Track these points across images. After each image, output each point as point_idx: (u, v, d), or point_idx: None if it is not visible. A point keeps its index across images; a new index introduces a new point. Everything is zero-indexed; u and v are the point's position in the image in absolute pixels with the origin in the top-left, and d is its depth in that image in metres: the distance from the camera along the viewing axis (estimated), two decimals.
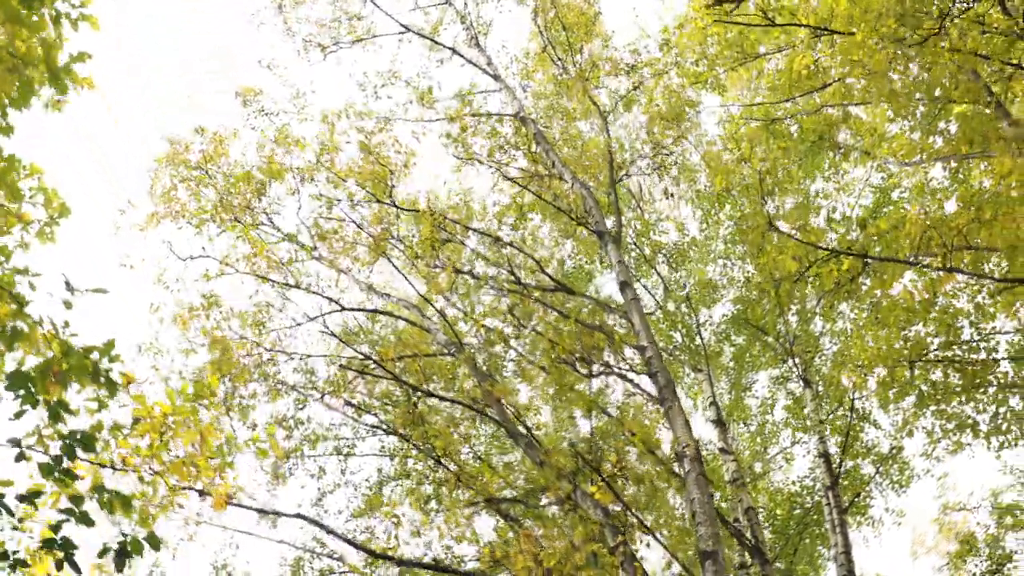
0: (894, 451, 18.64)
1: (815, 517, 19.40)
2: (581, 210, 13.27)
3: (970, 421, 14.53)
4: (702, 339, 19.16)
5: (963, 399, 14.61)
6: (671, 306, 18.50)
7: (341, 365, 12.62)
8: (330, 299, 14.40)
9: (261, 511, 9.96)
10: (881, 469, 18.70)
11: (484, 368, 12.75)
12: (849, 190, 18.87)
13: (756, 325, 20.42)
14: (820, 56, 15.52)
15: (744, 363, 20.38)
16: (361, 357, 12.74)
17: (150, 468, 7.67)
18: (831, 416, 18.87)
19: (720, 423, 18.04)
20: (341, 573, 16.00)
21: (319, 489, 16.05)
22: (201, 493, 7.89)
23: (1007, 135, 13.30)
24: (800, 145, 16.97)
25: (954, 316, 13.08)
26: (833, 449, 18.40)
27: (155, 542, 5.95)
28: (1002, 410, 14.24)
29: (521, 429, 12.05)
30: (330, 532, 9.05)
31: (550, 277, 12.96)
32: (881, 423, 19.00)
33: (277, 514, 9.89)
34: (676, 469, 10.89)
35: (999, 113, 13.94)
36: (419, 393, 11.86)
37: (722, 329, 20.42)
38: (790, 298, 13.80)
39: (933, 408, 14.79)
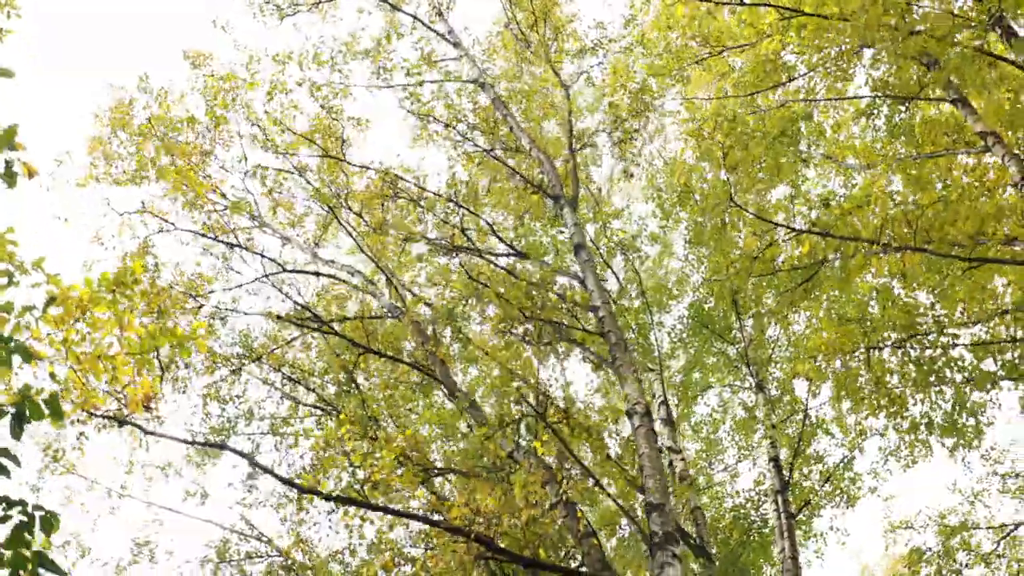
0: (845, 460, 18.26)
1: (759, 528, 18.91)
2: (538, 177, 12.84)
3: (925, 419, 14.14)
4: (656, 338, 18.73)
5: (919, 396, 14.27)
6: (624, 302, 18.05)
7: (279, 316, 11.98)
8: (273, 259, 13.79)
9: (185, 440, 9.28)
10: (832, 478, 18.26)
11: (428, 332, 12.19)
12: (808, 200, 18.58)
13: (712, 329, 20.07)
14: (787, 52, 15.30)
15: (698, 363, 19.95)
16: (300, 306, 12.13)
17: (64, 361, 7.03)
18: (784, 422, 18.49)
19: (670, 422, 17.56)
20: (269, 557, 15.27)
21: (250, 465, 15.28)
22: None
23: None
24: (762, 140, 16.58)
25: (915, 307, 12.71)
26: (784, 453, 18.00)
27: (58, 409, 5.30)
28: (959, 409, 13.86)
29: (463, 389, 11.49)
30: (255, 464, 8.40)
31: (502, 240, 12.47)
32: (834, 432, 18.63)
33: (204, 444, 9.21)
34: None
35: (966, 111, 13.76)
36: (360, 349, 11.24)
37: (677, 331, 20.02)
38: (746, 279, 13.34)
39: (886, 407, 14.42)
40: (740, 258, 13.11)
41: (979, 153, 14.37)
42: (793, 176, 14.11)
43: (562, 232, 12.36)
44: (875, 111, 17.12)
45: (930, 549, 18.21)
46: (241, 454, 8.73)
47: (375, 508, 8.40)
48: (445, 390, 11.46)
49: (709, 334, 20.04)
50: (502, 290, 10.69)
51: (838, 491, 18.85)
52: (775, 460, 17.72)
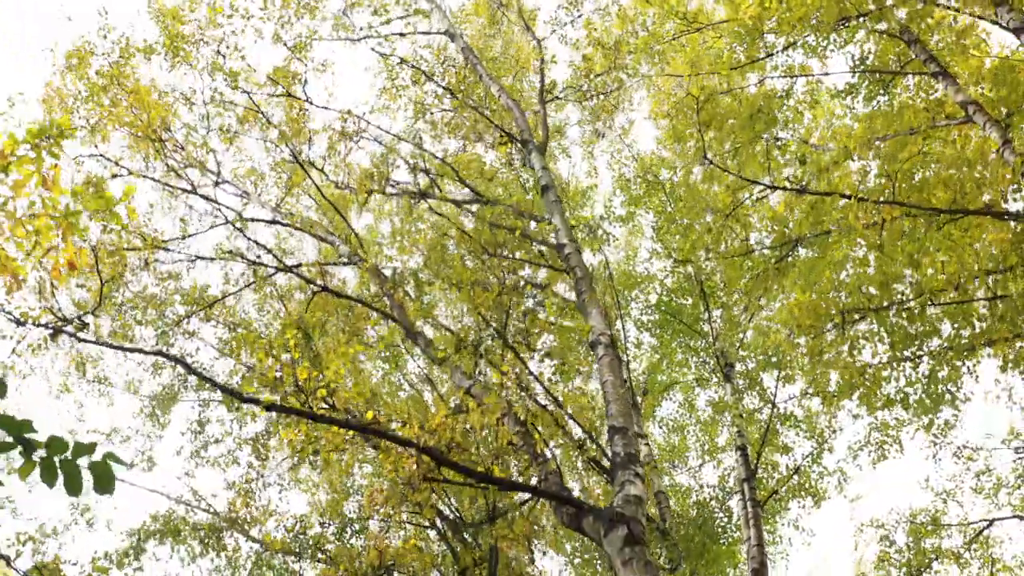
0: (814, 452, 17.79)
1: (723, 525, 18.34)
2: (508, 126, 12.39)
3: (900, 395, 13.68)
4: (622, 323, 18.23)
5: (893, 374, 13.83)
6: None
7: (231, 251, 11.38)
8: (230, 208, 13.21)
9: (119, 347, 8.63)
10: (799, 472, 17.78)
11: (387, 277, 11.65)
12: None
13: (681, 321, 19.63)
14: (768, 32, 14.95)
15: (666, 355, 19.48)
16: (256, 244, 11.54)
17: None
18: (752, 413, 18.03)
19: (634, 405, 17.04)
20: (215, 532, 14.49)
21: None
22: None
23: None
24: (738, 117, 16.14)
25: (892, 272, 12.27)
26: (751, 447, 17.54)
27: None
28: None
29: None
30: (192, 371, 7.78)
31: (465, 184, 11.98)
32: (802, 426, 18.18)
33: (137, 350, 8.56)
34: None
35: (946, 83, 13.47)
36: (315, 287, 10.65)
37: (644, 321, 19.55)
38: (719, 243, 12.91)
39: (859, 384, 13.95)
40: (714, 217, 12.70)
41: (960, 125, 13.98)
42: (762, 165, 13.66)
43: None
44: (855, 91, 16.74)
45: (899, 550, 17.81)
46: (176, 359, 8.12)
47: (318, 418, 7.79)
48: (403, 329, 10.89)
49: (677, 324, 19.59)
50: (467, 226, 10.18)
51: (806, 485, 18.37)
52: (742, 449, 17.24)
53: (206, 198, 13.17)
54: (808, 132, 17.68)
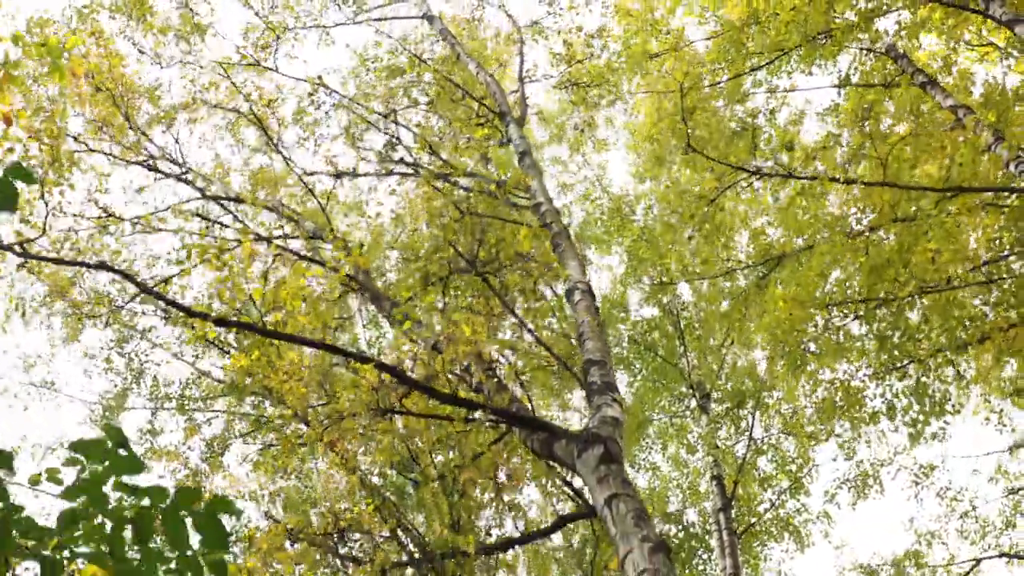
0: (791, 486, 17.09)
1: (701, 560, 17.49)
2: (485, 95, 11.97)
3: (886, 404, 13.07)
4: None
5: (877, 390, 13.27)
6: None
7: (189, 211, 10.77)
8: (190, 183, 12.64)
9: (60, 261, 7.92)
10: (776, 505, 17.05)
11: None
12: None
13: (656, 354, 19.06)
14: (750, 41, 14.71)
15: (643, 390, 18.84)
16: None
17: None
18: (728, 443, 17.37)
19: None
20: None
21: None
22: None
23: None
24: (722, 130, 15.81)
25: (881, 263, 11.79)
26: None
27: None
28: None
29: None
30: (142, 288, 7.12)
31: (436, 155, 11.50)
32: (783, 452, 17.51)
33: (82, 264, 7.87)
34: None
35: (935, 91, 13.26)
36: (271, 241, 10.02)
37: (623, 355, 18.94)
38: (701, 224, 12.42)
39: (843, 399, 13.36)
40: (698, 203, 12.22)
41: (949, 131, 13.64)
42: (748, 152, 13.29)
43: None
44: (839, 111, 16.42)
45: None
46: (123, 273, 7.43)
47: (276, 336, 7.13)
48: (367, 294, 10.26)
49: (652, 359, 19.01)
50: (438, 186, 9.67)
51: (788, 526, 17.63)
52: (718, 479, 16.53)
53: (168, 175, 12.60)
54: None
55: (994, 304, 11.21)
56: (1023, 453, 17.71)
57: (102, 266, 7.47)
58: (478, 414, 6.94)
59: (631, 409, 20.19)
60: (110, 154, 12.48)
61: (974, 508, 17.44)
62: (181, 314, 7.29)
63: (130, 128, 11.91)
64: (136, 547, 3.33)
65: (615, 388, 7.35)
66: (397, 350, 7.26)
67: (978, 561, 16.76)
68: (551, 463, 7.46)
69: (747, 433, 17.05)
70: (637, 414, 19.60)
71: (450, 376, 7.29)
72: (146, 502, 3.27)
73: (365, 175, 12.25)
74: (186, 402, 14.28)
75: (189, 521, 3.25)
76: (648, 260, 17.34)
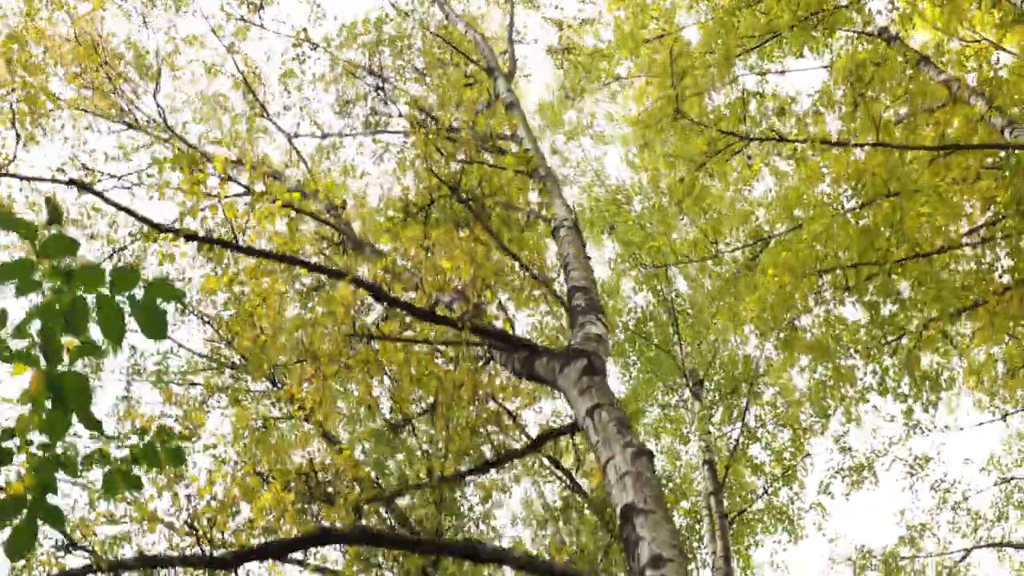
0: (788, 472, 16.83)
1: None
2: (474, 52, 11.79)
3: (878, 377, 12.86)
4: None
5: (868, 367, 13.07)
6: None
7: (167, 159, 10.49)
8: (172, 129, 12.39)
9: (21, 177, 7.65)
10: (769, 491, 16.78)
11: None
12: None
13: (651, 342, 18.82)
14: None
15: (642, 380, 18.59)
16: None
17: None
18: (720, 429, 17.13)
19: None
20: None
21: None
22: None
23: None
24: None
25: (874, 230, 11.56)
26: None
27: None
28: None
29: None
30: (108, 200, 6.88)
31: (424, 112, 11.29)
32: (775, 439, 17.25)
33: (44, 180, 7.60)
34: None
35: (928, 68, 13.11)
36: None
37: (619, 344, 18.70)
38: (691, 191, 12.18)
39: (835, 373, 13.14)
40: (688, 167, 11.99)
41: (942, 107, 13.44)
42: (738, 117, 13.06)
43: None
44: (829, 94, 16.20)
45: None
46: (88, 187, 7.17)
47: (250, 252, 6.89)
48: (350, 243, 10.02)
49: (647, 347, 18.76)
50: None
51: (780, 514, 17.37)
52: (710, 463, 16.26)
53: (149, 133, 12.36)
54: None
55: (988, 267, 11.00)
56: (1015, 443, 17.51)
57: (73, 182, 7.23)
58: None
59: (626, 399, 19.93)
60: (90, 111, 12.24)
61: (966, 499, 17.20)
62: (151, 231, 7.02)
63: (108, 79, 11.68)
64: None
65: (600, 309, 7.13)
66: (374, 273, 7.01)
67: (969, 551, 16.51)
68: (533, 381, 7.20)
69: (740, 419, 16.80)
70: (631, 404, 19.32)
71: (430, 296, 7.05)
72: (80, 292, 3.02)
73: (352, 135, 12.04)
74: (163, 375, 14.00)
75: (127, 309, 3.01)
76: (639, 244, 17.13)
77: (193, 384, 14.17)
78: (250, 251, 6.97)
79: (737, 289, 15.71)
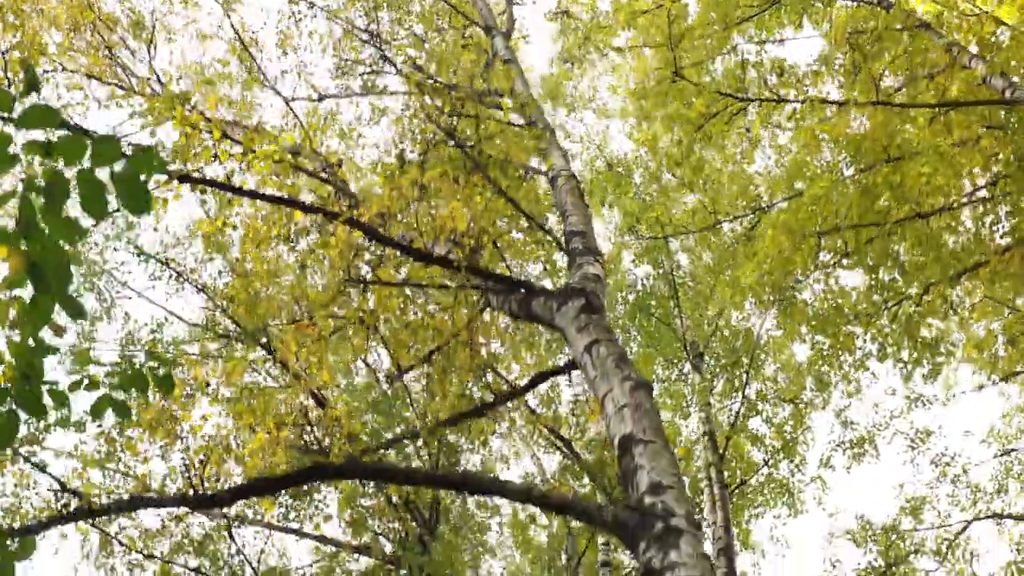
0: (790, 442, 16.75)
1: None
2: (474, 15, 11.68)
3: (876, 342, 12.74)
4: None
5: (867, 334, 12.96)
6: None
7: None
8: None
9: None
10: (770, 463, 16.71)
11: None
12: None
13: (652, 315, 18.72)
14: None
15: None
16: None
17: None
18: (721, 401, 17.08)
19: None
20: None
21: None
22: None
23: None
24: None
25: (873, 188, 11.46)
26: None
27: None
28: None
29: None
30: (75, 127, 6.77)
31: (426, 75, 11.17)
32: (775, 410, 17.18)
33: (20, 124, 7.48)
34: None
35: (930, 34, 12.96)
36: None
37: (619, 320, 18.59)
38: (688, 152, 12.10)
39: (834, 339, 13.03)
40: (685, 129, 11.89)
41: (942, 72, 13.31)
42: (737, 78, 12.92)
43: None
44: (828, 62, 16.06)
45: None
46: (79, 128, 7.06)
47: (244, 192, 6.79)
48: (346, 199, 9.93)
49: (647, 322, 18.66)
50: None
51: (781, 487, 17.31)
52: (710, 434, 16.19)
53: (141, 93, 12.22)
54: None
55: (991, 225, 10.90)
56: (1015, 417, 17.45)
57: (64, 124, 7.08)
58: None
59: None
60: (82, 71, 12.11)
61: (966, 472, 17.12)
62: None
63: (106, 49, 11.56)
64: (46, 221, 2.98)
65: (597, 252, 7.05)
66: (369, 218, 6.90)
67: (969, 523, 16.44)
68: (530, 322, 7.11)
69: (741, 392, 16.72)
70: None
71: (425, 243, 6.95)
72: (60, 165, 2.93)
73: (350, 95, 11.94)
74: (157, 344, 13.91)
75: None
76: (637, 215, 17.02)
77: (187, 354, 14.07)
78: (244, 192, 6.88)
79: (736, 260, 15.67)
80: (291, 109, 11.54)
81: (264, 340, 11.66)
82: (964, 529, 16.51)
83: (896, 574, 16.26)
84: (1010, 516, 16.25)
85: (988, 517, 16.43)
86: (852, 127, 12.27)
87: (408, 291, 7.52)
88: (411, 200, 6.88)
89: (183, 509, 7.88)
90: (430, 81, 9.87)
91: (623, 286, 19.11)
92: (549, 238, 7.30)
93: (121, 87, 12.30)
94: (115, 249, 13.66)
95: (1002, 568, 16.17)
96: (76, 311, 3.17)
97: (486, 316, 7.26)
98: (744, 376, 16.94)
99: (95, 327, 13.94)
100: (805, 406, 17.34)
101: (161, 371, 5.00)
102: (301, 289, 7.17)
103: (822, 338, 13.54)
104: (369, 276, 7.18)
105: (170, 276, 13.93)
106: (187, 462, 6.04)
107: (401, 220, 6.93)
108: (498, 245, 6.83)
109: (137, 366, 5.04)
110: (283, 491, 5.39)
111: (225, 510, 10.83)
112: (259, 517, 13.17)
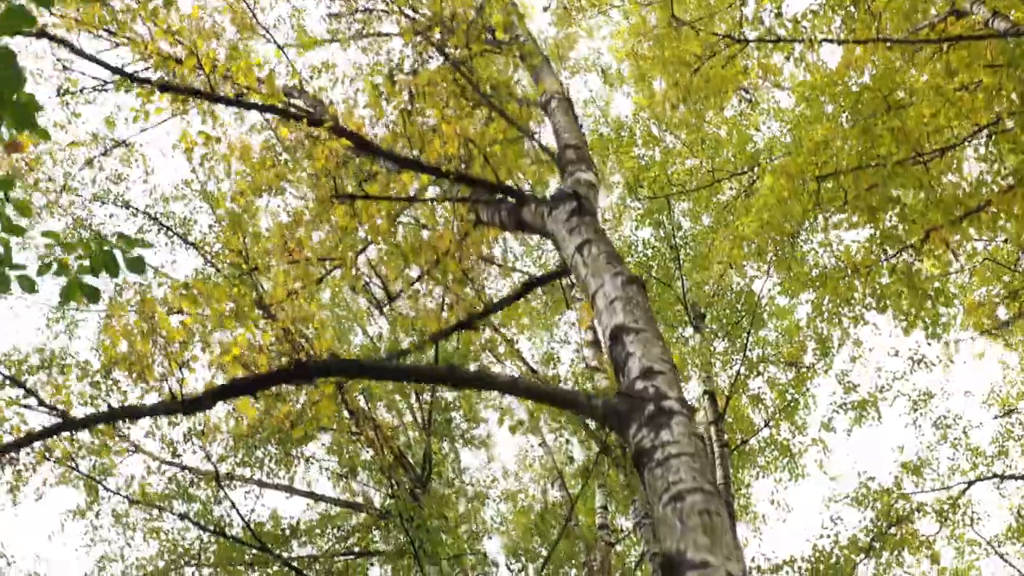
0: (791, 403, 16.61)
1: None
2: None
3: (873, 291, 12.54)
4: None
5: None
6: None
7: None
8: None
9: None
10: (771, 422, 16.57)
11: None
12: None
13: (654, 277, 18.53)
14: None
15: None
16: None
17: None
18: (723, 361, 16.93)
19: (596, 344, 15.83)
20: None
21: None
22: None
23: None
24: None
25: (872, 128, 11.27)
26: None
27: None
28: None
29: None
30: (77, 51, 6.60)
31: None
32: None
33: None
34: None
35: None
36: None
37: None
38: (687, 94, 11.90)
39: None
40: (681, 70, 11.71)
41: (942, 20, 13.08)
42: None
43: None
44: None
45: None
46: (62, 40, 6.89)
47: (228, 102, 6.63)
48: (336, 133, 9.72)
49: (648, 281, 18.46)
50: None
51: (781, 448, 17.19)
52: (710, 394, 16.03)
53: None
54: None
55: (992, 166, 10.71)
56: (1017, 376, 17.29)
57: (44, 34, 6.94)
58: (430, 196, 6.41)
59: None
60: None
61: (966, 435, 16.97)
62: (123, 82, 6.74)
63: None
64: None
65: (590, 162, 6.87)
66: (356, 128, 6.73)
67: (970, 483, 16.28)
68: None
69: (742, 352, 16.55)
70: None
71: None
72: None
73: (344, 39, 11.76)
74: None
75: None
76: (637, 175, 16.84)
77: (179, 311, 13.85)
78: (228, 101, 6.70)
79: (735, 217, 15.51)
80: (284, 54, 11.33)
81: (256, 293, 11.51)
82: (965, 491, 16.34)
83: (891, 540, 16.06)
84: (1012, 476, 16.09)
85: (988, 478, 16.26)
86: (852, 81, 12.14)
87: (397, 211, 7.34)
88: (400, 106, 6.71)
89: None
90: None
91: (624, 249, 18.92)
92: (545, 156, 7.10)
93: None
94: (102, 203, 13.49)
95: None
96: (23, 120, 2.98)
97: (476, 233, 7.08)
98: (745, 336, 16.78)
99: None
100: (807, 370, 17.21)
101: (134, 253, 4.82)
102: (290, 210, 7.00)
103: (820, 294, 13.37)
104: (357, 189, 7.00)
105: (159, 231, 13.77)
106: (166, 370, 5.88)
107: (391, 129, 6.76)
108: (488, 160, 6.65)
109: (107, 247, 4.86)
110: (267, 388, 5.24)
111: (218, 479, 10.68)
112: (252, 475, 13.06)
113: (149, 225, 13.68)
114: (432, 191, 7.20)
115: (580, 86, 18.93)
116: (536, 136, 7.16)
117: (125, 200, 13.44)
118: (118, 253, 4.75)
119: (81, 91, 8.38)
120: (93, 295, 4.74)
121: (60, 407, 6.27)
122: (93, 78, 7.94)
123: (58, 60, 8.08)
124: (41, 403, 6.32)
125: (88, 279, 4.79)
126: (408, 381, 6.14)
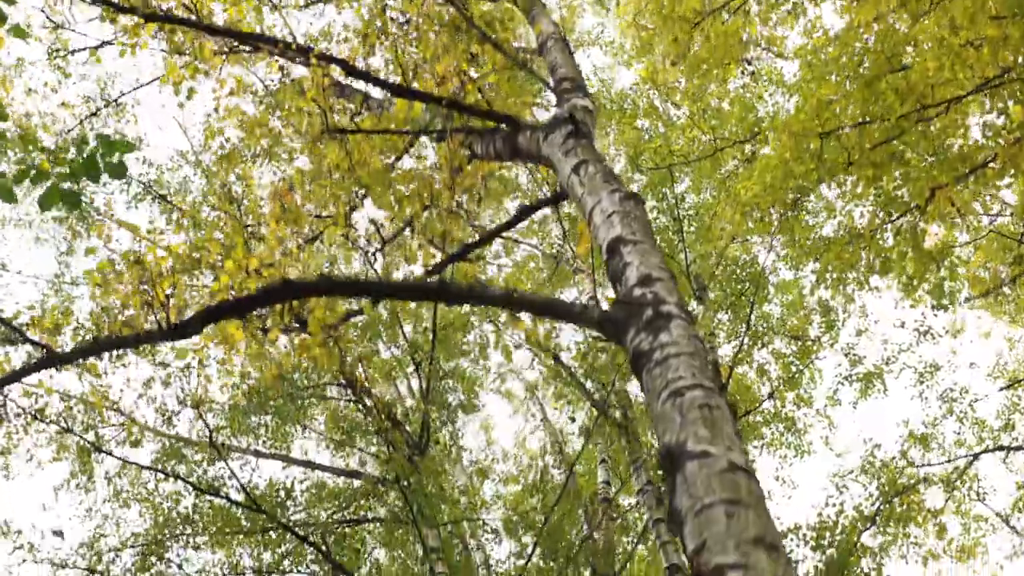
0: (796, 374, 16.44)
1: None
2: None
3: (878, 263, 12.35)
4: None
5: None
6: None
7: None
8: None
9: None
10: (775, 394, 16.39)
11: None
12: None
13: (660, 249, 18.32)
14: None
15: None
16: None
17: None
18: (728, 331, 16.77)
19: (594, 300, 15.62)
20: None
21: None
22: None
23: None
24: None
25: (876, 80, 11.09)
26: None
27: None
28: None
29: None
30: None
31: None
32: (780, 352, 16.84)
33: None
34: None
35: None
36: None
37: None
38: (687, 51, 11.73)
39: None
40: (680, 26, 11.51)
41: None
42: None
43: None
44: None
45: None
46: None
47: (215, 30, 6.46)
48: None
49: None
50: None
51: (786, 421, 17.02)
52: (713, 364, 15.84)
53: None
54: None
55: (999, 118, 10.51)
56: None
57: None
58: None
59: None
60: None
61: (972, 408, 16.77)
62: (107, 12, 6.58)
63: None
64: None
65: (586, 91, 6.69)
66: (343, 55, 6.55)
67: (976, 455, 16.08)
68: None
69: (746, 322, 16.35)
70: None
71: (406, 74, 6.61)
72: None
73: None
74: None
75: None
76: (637, 145, 16.68)
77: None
78: (214, 29, 6.53)
79: (738, 182, 15.30)
80: (279, 11, 11.18)
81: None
82: (971, 463, 16.14)
83: (897, 512, 15.84)
84: (1020, 448, 15.89)
85: (995, 450, 16.07)
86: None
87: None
88: (392, 33, 6.54)
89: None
90: None
91: None
92: (539, 86, 6.93)
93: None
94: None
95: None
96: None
97: (470, 167, 6.91)
98: (749, 306, 16.58)
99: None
100: (812, 343, 17.06)
101: (115, 158, 4.66)
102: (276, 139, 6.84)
103: (825, 259, 13.18)
104: (348, 123, 6.85)
105: (153, 199, 13.62)
106: (152, 296, 5.71)
107: (382, 53, 6.59)
108: (482, 92, 6.48)
109: (87, 152, 4.72)
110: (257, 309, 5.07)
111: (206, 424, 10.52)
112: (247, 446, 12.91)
113: (142, 193, 13.53)
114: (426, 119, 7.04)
115: (583, 59, 18.55)
116: (531, 66, 6.99)
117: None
118: (99, 158, 4.60)
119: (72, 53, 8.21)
120: (73, 202, 4.60)
121: (45, 343, 6.10)
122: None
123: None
124: (25, 339, 6.15)
125: (68, 186, 4.64)
126: (400, 298, 6.02)
